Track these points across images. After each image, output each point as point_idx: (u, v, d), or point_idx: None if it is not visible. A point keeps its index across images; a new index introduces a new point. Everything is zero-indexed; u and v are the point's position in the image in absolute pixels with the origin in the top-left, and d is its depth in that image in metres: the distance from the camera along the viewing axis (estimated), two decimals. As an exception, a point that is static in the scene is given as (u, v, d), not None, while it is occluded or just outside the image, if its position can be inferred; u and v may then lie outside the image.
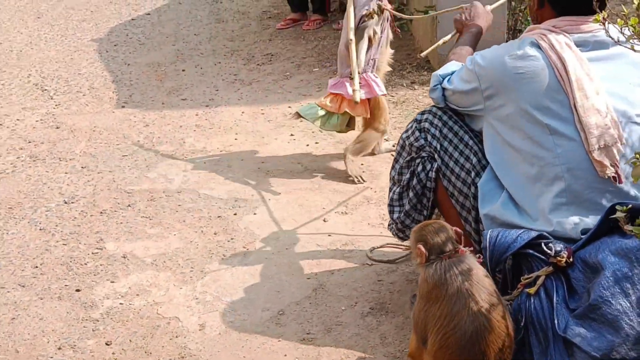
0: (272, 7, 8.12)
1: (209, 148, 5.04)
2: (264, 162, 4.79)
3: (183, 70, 6.53)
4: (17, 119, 5.59)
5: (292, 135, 5.16)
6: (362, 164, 4.67)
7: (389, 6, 4.53)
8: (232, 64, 6.63)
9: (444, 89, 3.09)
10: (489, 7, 3.66)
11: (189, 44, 7.21)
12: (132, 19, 8.02)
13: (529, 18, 5.88)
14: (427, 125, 3.16)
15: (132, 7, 8.45)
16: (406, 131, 3.21)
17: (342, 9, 7.63)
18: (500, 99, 2.90)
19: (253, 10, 8.09)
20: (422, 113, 3.21)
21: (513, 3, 5.83)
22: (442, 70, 3.15)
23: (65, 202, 4.39)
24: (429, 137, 3.14)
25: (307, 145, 5.00)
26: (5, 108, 5.81)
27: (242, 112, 5.57)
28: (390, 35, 4.60)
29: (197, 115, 5.58)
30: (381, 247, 3.79)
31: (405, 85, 5.77)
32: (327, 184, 4.49)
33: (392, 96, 5.53)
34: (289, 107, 5.61)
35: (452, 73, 3.10)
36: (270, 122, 5.39)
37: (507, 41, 5.78)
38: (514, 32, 5.94)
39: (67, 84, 6.28)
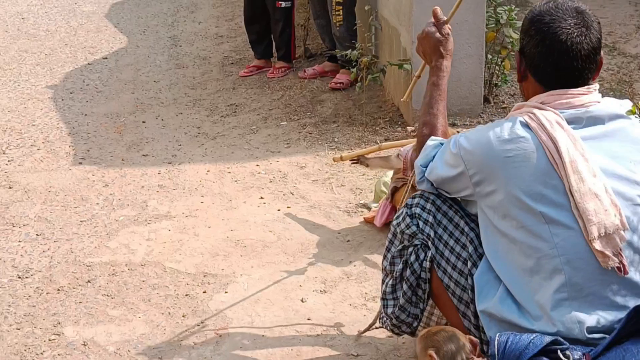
0: (233, 52, 7.85)
1: (173, 212, 4.72)
2: (233, 230, 4.48)
3: (143, 122, 6.22)
4: (-34, 178, 5.24)
5: (261, 198, 4.86)
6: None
7: None
8: (195, 115, 6.34)
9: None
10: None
11: (149, 91, 6.90)
12: (89, 64, 7.70)
13: (505, 72, 5.70)
14: (418, 210, 2.90)
15: (87, 50, 8.13)
16: (397, 217, 2.95)
17: (307, 55, 7.39)
18: (490, 185, 2.64)
19: (214, 55, 7.81)
20: (413, 197, 2.94)
21: (489, 56, 5.62)
22: (422, 159, 2.87)
23: (19, 277, 4.05)
24: (421, 224, 2.88)
25: (279, 210, 4.70)
26: (-47, 165, 5.46)
27: (208, 171, 5.28)
28: None
29: (159, 173, 5.27)
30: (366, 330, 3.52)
31: (378, 142, 5.45)
32: (302, 255, 4.18)
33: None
34: (257, 165, 5.32)
35: (434, 157, 2.85)
36: (237, 182, 5.10)
37: (483, 95, 5.63)
38: (489, 86, 5.73)
39: (20, 137, 5.95)
